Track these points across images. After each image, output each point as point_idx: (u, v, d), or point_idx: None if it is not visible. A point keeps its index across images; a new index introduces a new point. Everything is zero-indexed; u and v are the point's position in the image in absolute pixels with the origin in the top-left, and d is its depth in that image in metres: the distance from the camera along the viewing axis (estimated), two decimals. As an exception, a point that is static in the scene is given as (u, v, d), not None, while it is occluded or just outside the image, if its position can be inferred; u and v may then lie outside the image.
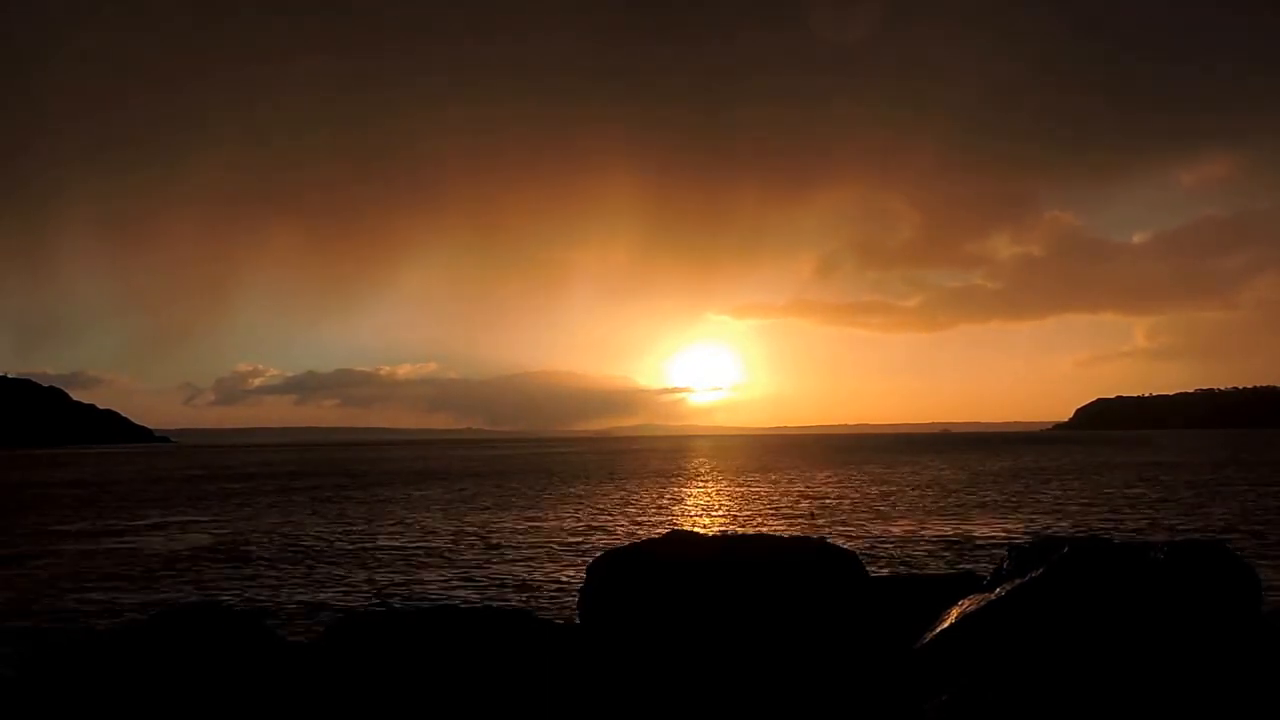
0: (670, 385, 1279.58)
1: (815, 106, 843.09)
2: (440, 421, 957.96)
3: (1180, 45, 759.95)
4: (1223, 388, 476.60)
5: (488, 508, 44.77)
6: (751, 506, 44.61)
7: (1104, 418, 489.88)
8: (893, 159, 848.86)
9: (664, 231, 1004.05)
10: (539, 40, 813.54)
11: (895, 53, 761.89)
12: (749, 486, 59.54)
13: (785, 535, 15.17)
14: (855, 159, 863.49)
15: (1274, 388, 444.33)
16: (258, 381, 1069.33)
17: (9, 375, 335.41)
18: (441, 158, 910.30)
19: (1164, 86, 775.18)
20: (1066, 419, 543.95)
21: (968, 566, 22.01)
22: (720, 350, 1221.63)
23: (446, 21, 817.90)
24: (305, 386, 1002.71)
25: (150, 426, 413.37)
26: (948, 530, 32.35)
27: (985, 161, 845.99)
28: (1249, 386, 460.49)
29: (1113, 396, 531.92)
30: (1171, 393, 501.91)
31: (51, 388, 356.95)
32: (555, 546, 28.92)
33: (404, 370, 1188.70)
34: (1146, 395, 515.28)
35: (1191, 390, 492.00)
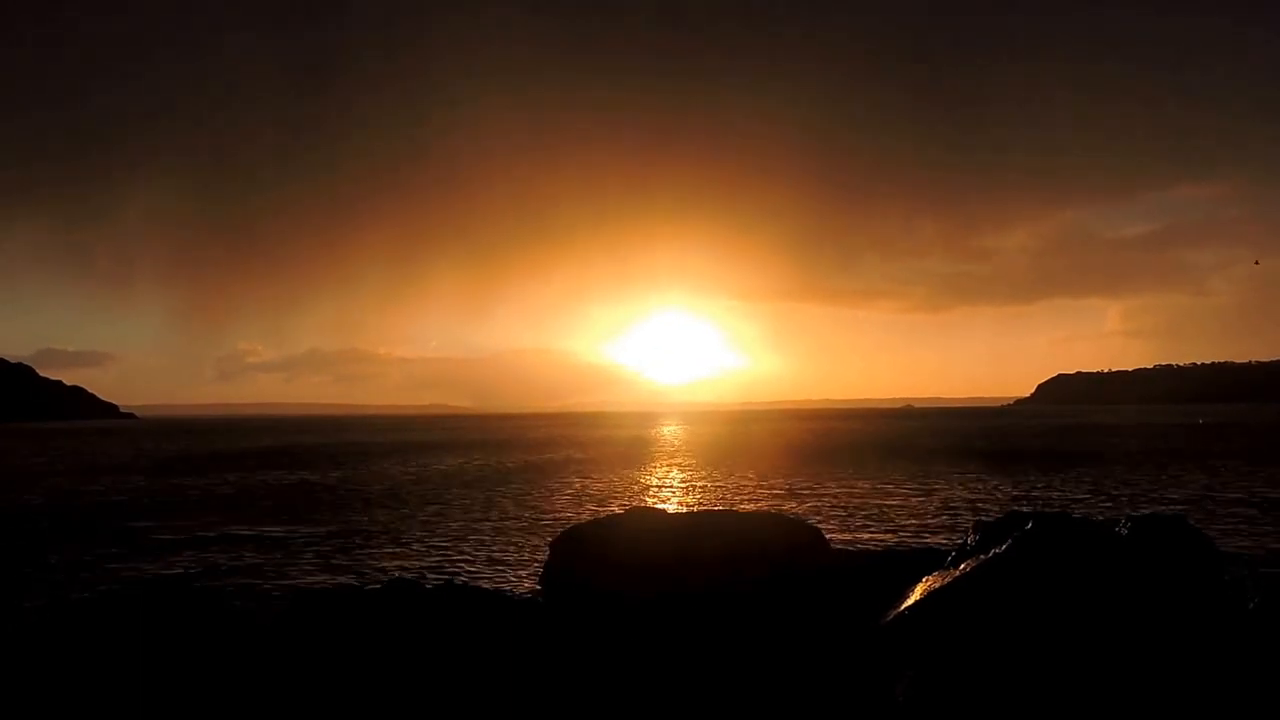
0: (647, 364, 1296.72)
1: (858, 131, 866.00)
2: (430, 398, 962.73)
3: (1193, 76, 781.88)
4: (1180, 364, 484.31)
5: (453, 486, 44.52)
6: (714, 482, 44.63)
7: (1063, 393, 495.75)
8: (926, 176, 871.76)
9: (674, 223, 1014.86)
10: (571, 34, 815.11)
11: (941, 87, 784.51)
12: (711, 464, 59.65)
13: (749, 511, 15.13)
14: (889, 177, 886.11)
15: (1230, 363, 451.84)
16: (255, 360, 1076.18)
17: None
18: (456, 148, 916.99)
19: (1174, 113, 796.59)
20: (1028, 395, 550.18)
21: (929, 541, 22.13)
22: (716, 332, 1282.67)
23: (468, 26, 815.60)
24: (301, 365, 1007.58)
25: (141, 403, 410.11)
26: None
27: (1008, 170, 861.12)
28: (1206, 363, 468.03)
29: (1073, 372, 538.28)
30: (1131, 369, 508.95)
31: (19, 364, 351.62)
32: (520, 523, 28.79)
33: (401, 350, 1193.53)
34: (1106, 371, 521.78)
35: (1151, 367, 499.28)
